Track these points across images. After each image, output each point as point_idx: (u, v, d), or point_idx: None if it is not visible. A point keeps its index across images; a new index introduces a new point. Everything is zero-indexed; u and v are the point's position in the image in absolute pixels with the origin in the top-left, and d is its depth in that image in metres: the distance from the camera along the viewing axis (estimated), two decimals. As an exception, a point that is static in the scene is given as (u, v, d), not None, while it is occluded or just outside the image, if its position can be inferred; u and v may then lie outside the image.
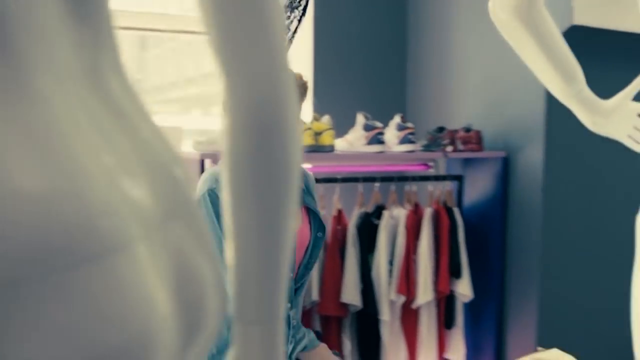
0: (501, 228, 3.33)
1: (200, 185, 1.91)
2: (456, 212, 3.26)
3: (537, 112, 3.19)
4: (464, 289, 3.23)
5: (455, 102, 3.67)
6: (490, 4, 1.77)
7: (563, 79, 1.80)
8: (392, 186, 3.22)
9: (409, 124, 3.17)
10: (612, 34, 3.18)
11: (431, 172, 3.53)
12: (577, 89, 1.81)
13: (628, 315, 1.76)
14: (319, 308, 2.97)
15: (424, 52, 3.90)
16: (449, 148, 3.19)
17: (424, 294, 3.12)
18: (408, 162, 3.49)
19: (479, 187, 3.40)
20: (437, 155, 3.22)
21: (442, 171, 3.55)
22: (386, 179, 3.22)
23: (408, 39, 3.98)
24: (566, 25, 3.02)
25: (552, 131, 3.20)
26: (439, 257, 3.20)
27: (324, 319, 3.01)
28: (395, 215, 3.14)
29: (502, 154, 3.32)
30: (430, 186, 3.28)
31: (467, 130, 3.27)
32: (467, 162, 3.41)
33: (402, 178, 3.29)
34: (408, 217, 3.13)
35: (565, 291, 3.18)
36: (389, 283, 3.06)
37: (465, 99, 3.61)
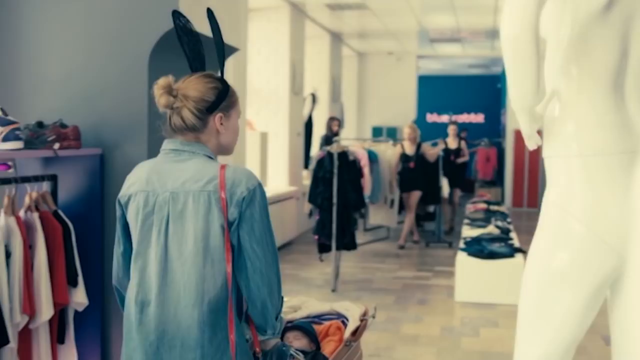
0: (99, 230, 3.22)
1: (251, 179, 2.00)
2: (62, 214, 3.01)
3: (138, 106, 3.18)
4: (80, 296, 3.03)
5: (38, 96, 3.39)
6: (513, 22, 2.09)
7: (536, 90, 2.12)
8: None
9: (12, 118, 2.86)
10: (206, 38, 3.25)
11: (11, 172, 3.11)
12: (537, 100, 2.15)
13: None
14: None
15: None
16: (57, 145, 2.95)
17: (47, 310, 2.86)
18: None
19: (72, 187, 3.25)
20: (46, 152, 2.96)
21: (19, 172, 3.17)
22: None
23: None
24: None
25: (156, 126, 3.06)
26: (55, 266, 2.94)
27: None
28: (10, 225, 2.75)
29: (98, 151, 3.20)
30: (13, 189, 2.89)
31: (63, 125, 3.02)
32: (48, 160, 3.18)
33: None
34: (20, 226, 2.74)
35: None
36: (11, 304, 2.73)
37: (50, 93, 3.37)
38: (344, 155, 6.75)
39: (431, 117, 19.55)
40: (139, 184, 2.03)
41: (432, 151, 9.37)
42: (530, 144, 2.28)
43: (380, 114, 14.82)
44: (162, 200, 1.97)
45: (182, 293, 1.92)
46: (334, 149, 6.69)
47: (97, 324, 3.20)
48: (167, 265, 1.94)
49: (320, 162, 6.77)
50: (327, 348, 2.64)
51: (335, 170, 6.57)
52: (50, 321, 2.95)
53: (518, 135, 14.43)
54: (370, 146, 9.20)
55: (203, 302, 1.90)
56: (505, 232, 7.56)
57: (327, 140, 10.32)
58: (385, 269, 7.77)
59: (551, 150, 2.22)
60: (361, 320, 2.80)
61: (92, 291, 3.10)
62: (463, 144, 10.52)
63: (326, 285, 6.88)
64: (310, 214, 7.14)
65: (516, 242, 7.04)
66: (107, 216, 3.22)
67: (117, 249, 2.16)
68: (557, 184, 2.19)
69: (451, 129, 10.44)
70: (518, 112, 2.21)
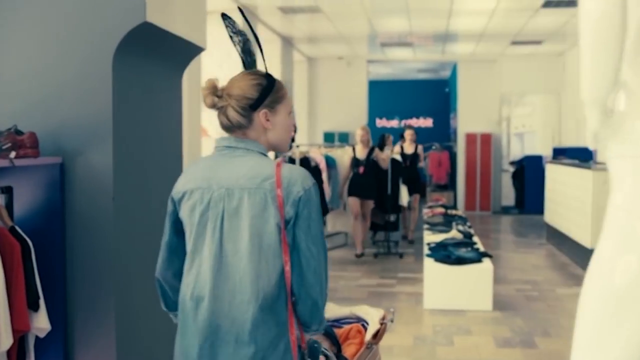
0: (61, 247, 2.94)
1: (307, 179, 2.02)
2: (20, 231, 2.71)
3: (102, 110, 2.89)
4: (41, 321, 2.74)
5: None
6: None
7: (615, 80, 1.89)
8: None
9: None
10: (173, 37, 3.24)
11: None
12: (613, 92, 1.92)
13: None
14: None
15: None
16: (12, 154, 2.67)
17: (6, 339, 2.57)
18: None
19: (29, 200, 2.94)
20: (1, 162, 2.64)
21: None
22: None
23: None
24: (139, 21, 2.91)
25: (121, 132, 2.90)
26: (13, 288, 2.63)
27: None
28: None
29: (57, 159, 2.92)
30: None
31: (19, 132, 2.76)
32: (3, 171, 2.84)
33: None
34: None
35: (144, 306, 2.82)
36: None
37: (3, 96, 3.05)
38: (305, 161, 6.55)
39: (380, 122, 19.49)
40: (195, 181, 2.05)
41: (384, 156, 8.73)
42: (594, 143, 2.03)
43: (331, 120, 14.66)
44: (218, 196, 1.99)
45: (237, 289, 1.94)
46: (296, 155, 6.48)
47: (60, 351, 2.91)
48: (223, 261, 1.96)
49: (281, 168, 6.55)
50: (348, 350, 2.69)
51: (298, 177, 6.37)
52: (9, 350, 2.65)
53: (469, 139, 14.48)
54: (327, 151, 9.02)
55: (258, 298, 1.92)
56: (468, 236, 7.45)
57: (282, 146, 10.11)
58: (348, 277, 7.57)
59: (617, 150, 1.97)
60: (381, 324, 2.86)
61: (54, 315, 2.81)
62: (420, 148, 10.34)
63: (289, 296, 6.65)
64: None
65: (481, 247, 6.94)
66: (69, 231, 2.94)
67: (162, 240, 2.16)
68: (623, 187, 1.93)
69: (408, 134, 10.24)
70: (589, 105, 1.95)
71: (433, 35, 11.89)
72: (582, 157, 11.07)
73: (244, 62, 2.15)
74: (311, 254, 1.96)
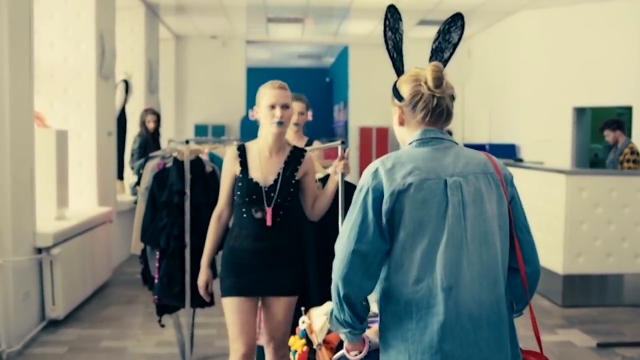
0: None
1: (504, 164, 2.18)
2: None
3: None
4: None
5: None
6: None
7: None
8: None
9: None
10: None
11: None
12: None
13: None
14: None
15: None
16: None
17: None
18: None
19: None
20: None
21: None
22: None
23: None
24: None
25: None
26: None
27: None
28: None
29: None
30: None
31: None
32: None
33: None
34: None
35: None
36: None
37: None
38: (199, 163, 4.33)
39: (253, 115, 17.41)
40: (418, 173, 1.97)
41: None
42: None
43: (203, 110, 12.44)
44: (454, 184, 1.97)
45: (484, 273, 1.95)
46: (183, 154, 4.24)
47: None
48: (469, 247, 1.95)
49: (160, 177, 4.26)
50: None
51: (188, 191, 4.14)
52: None
53: (364, 133, 12.74)
54: (211, 148, 6.80)
55: (503, 279, 2.00)
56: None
57: (145, 142, 7.72)
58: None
59: None
60: None
61: None
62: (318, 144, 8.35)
63: (174, 368, 4.43)
64: (141, 257, 4.57)
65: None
66: None
67: (363, 251, 1.95)
68: None
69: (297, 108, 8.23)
70: None
71: (332, 9, 9.94)
72: (508, 155, 9.61)
73: (393, 60, 2.13)
74: (527, 228, 2.08)
